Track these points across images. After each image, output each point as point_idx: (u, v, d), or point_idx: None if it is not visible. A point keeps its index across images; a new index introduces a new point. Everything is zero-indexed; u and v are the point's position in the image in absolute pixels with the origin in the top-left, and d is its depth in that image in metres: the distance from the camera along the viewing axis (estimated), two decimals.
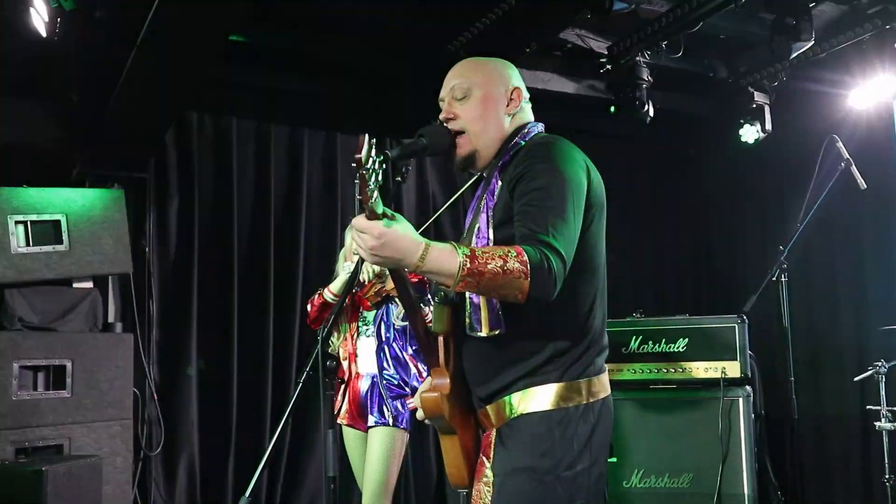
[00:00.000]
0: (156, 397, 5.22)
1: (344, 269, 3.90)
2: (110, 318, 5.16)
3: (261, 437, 5.45)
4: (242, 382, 5.53)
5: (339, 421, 3.87)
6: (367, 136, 1.76)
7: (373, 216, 1.82)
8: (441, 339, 2.12)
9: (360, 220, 1.84)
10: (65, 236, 4.74)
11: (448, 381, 2.07)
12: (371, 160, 1.76)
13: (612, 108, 5.54)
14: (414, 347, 3.84)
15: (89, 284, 4.99)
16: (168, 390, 5.34)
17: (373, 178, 1.78)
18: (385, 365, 3.81)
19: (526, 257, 1.85)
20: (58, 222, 4.74)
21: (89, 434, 4.57)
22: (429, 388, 2.10)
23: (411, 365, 3.85)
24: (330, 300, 3.85)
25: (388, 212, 1.86)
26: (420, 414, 2.20)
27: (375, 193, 1.80)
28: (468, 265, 1.83)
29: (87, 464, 4.24)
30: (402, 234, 1.85)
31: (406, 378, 3.82)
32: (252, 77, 5.53)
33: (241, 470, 5.38)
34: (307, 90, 5.74)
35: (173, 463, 5.29)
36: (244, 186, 5.75)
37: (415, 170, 6.17)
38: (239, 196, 5.71)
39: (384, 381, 3.79)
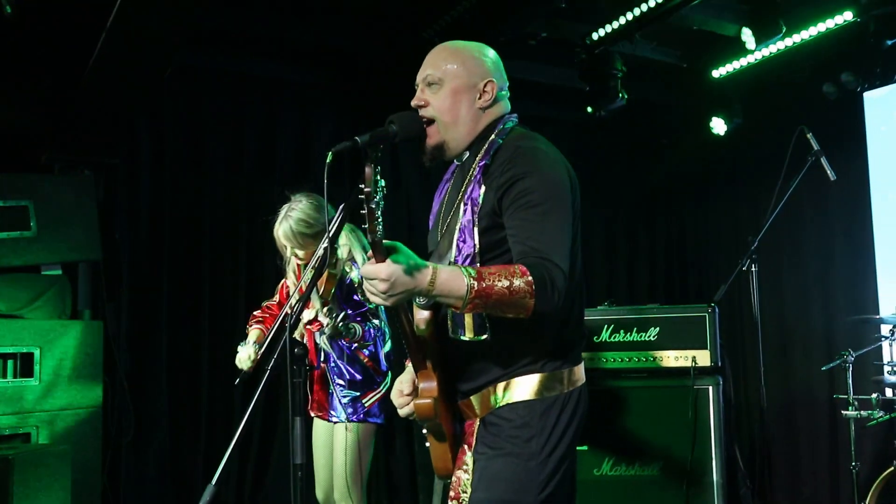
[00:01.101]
0: (126, 385, 5.17)
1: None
2: (80, 306, 5.10)
3: (232, 425, 5.42)
4: (214, 371, 5.50)
5: (312, 413, 3.86)
6: (372, 166, 1.78)
7: (377, 252, 1.85)
8: (425, 341, 2.15)
9: (367, 268, 1.87)
10: (32, 222, 4.67)
11: (435, 384, 2.12)
12: (378, 191, 1.79)
13: (590, 109, 5.55)
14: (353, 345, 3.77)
15: (58, 271, 4.92)
16: (139, 378, 5.29)
17: (379, 210, 1.81)
18: (337, 363, 3.76)
19: (531, 277, 1.90)
20: (25, 208, 4.67)
21: (58, 422, 4.52)
22: (419, 394, 2.12)
23: (364, 361, 3.78)
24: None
25: (388, 243, 1.88)
26: (404, 412, 2.22)
27: (380, 227, 1.83)
28: (475, 287, 1.88)
29: (56, 452, 4.20)
30: (408, 267, 1.87)
31: (356, 375, 3.76)
32: (225, 62, 5.48)
33: (213, 458, 5.35)
34: (281, 76, 5.70)
35: (144, 451, 5.26)
36: (216, 173, 5.70)
37: (388, 156, 6.15)
38: (211, 182, 5.66)
39: (339, 383, 3.75)
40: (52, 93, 5.01)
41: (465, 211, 2.12)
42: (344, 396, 3.72)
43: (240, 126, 5.81)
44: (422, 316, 2.15)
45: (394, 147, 1.94)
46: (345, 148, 1.99)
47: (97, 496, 4.63)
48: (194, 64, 5.38)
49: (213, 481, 1.87)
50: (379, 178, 1.81)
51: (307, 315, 3.64)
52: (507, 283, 1.88)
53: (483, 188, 2.11)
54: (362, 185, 1.78)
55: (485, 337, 2.08)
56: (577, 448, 2.18)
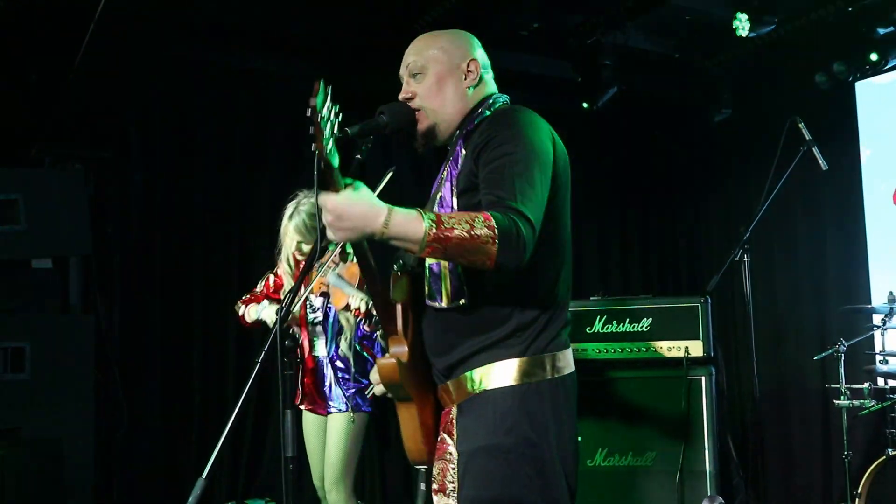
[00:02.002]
0: (118, 379, 5.15)
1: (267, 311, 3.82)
2: (71, 300, 5.07)
3: (224, 418, 5.40)
4: (205, 364, 5.48)
5: (301, 407, 3.87)
6: (322, 81, 1.72)
7: (328, 173, 1.77)
8: (400, 308, 2.07)
9: (321, 198, 1.80)
10: (22, 216, 4.64)
11: (406, 349, 2.03)
12: (327, 108, 1.71)
13: (585, 105, 5.54)
14: (360, 335, 3.81)
15: (48, 265, 4.90)
16: (131, 372, 5.27)
17: (328, 128, 1.73)
18: (337, 353, 3.78)
19: (494, 223, 1.82)
20: (15, 202, 4.64)
21: (49, 417, 4.49)
22: (386, 356, 2.05)
23: (366, 354, 3.82)
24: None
25: (347, 180, 1.82)
26: (378, 389, 2.17)
27: (331, 144, 1.75)
28: (434, 231, 1.80)
29: (47, 447, 4.18)
30: (359, 200, 1.81)
31: (362, 366, 3.79)
32: (215, 54, 5.45)
33: (205, 452, 5.32)
34: (271, 67, 5.67)
35: (136, 446, 5.24)
36: (208, 164, 5.68)
37: (379, 149, 6.13)
38: (202, 176, 5.64)
39: (338, 374, 3.78)
40: (42, 86, 4.98)
41: (447, 177, 2.11)
42: (349, 388, 3.74)
43: (231, 119, 5.79)
44: (399, 282, 2.10)
45: (386, 139, 1.92)
46: (334, 139, 1.96)
47: (89, 491, 4.62)
48: (185, 57, 5.35)
49: (204, 475, 1.86)
50: (329, 97, 1.72)
51: (316, 302, 3.66)
52: (467, 228, 1.80)
53: (464, 151, 2.09)
54: (312, 103, 1.70)
55: (462, 302, 2.01)
56: (576, 434, 2.11)
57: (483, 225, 1.81)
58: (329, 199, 1.79)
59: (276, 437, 5.55)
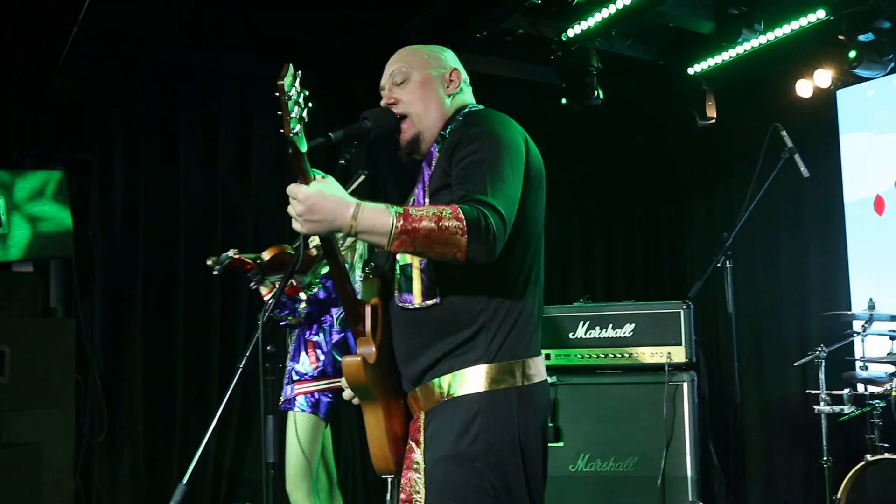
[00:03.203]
0: (99, 384, 5.11)
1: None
2: (52, 303, 5.04)
3: (207, 423, 5.37)
4: (188, 368, 5.45)
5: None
6: (290, 64, 1.73)
7: (296, 158, 1.76)
8: (369, 309, 2.06)
9: (290, 188, 1.80)
10: (3, 218, 4.61)
11: (374, 349, 2.01)
12: (294, 90, 1.71)
13: (564, 100, 5.57)
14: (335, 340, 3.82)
15: (29, 268, 4.86)
16: (112, 377, 5.24)
17: (295, 110, 1.73)
18: (295, 349, 3.83)
19: (462, 214, 1.82)
20: None
21: (28, 422, 4.45)
22: (351, 355, 2.02)
23: (309, 353, 3.83)
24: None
25: (316, 172, 1.82)
26: (347, 393, 2.16)
27: (298, 127, 1.74)
28: (401, 223, 1.80)
29: (25, 452, 4.15)
30: (330, 194, 1.81)
31: (298, 363, 3.82)
32: (199, 57, 5.43)
33: (187, 457, 5.30)
34: (256, 71, 5.65)
35: (117, 451, 5.20)
36: (191, 168, 5.64)
37: (363, 154, 6.13)
38: (186, 179, 5.61)
39: (289, 368, 3.84)
40: (23, 87, 4.95)
41: (420, 179, 2.12)
42: (287, 382, 3.80)
43: (214, 122, 5.75)
44: (369, 283, 2.09)
45: (370, 145, 1.92)
46: (318, 144, 1.95)
47: (69, 496, 4.58)
48: (168, 59, 5.32)
49: (185, 480, 1.85)
50: (298, 81, 1.72)
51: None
52: (434, 220, 1.80)
53: (437, 154, 2.10)
54: (280, 83, 1.70)
55: (433, 302, 2.00)
56: (552, 444, 2.10)
57: (451, 216, 1.82)
58: (300, 191, 1.79)
59: (259, 442, 5.55)
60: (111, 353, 5.29)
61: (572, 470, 4.70)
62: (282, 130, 1.74)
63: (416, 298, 2.03)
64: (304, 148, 1.77)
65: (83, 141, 5.24)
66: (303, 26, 5.20)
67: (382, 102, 2.20)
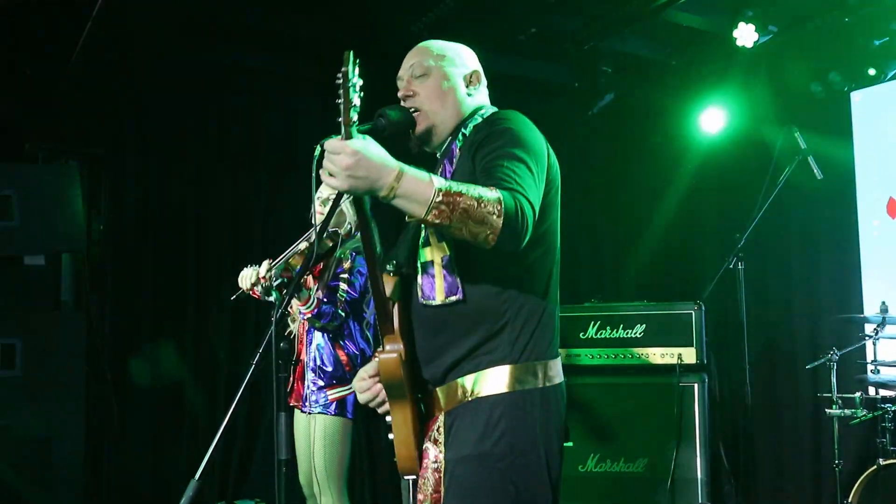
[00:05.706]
0: (109, 377, 5.12)
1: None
2: (63, 297, 5.05)
3: (216, 418, 5.39)
4: (199, 362, 5.46)
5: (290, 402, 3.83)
6: (351, 51, 1.74)
7: (347, 138, 1.76)
8: (397, 307, 2.05)
9: (332, 142, 1.77)
10: (15, 212, 4.62)
11: (402, 346, 1.99)
12: (356, 78, 1.73)
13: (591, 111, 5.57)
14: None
15: (41, 262, 4.88)
16: (122, 370, 5.25)
17: (355, 97, 1.73)
18: (315, 352, 3.73)
19: (500, 195, 1.81)
20: (8, 198, 4.62)
21: (39, 414, 4.47)
22: (386, 351, 2.00)
23: (339, 356, 3.71)
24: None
25: (364, 136, 1.81)
26: (363, 397, 2.14)
27: (355, 116, 1.75)
28: (444, 189, 1.77)
29: (36, 444, 4.16)
30: (377, 153, 1.78)
31: (326, 365, 3.72)
32: (210, 52, 5.43)
33: (196, 452, 5.32)
34: (266, 67, 5.66)
35: (127, 444, 5.22)
36: (202, 162, 5.66)
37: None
38: (197, 173, 5.62)
39: (311, 372, 3.71)
40: (37, 82, 4.96)
41: (441, 174, 2.09)
42: (313, 386, 3.70)
43: (225, 117, 5.77)
44: (391, 281, 2.07)
45: (384, 141, 1.91)
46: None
47: (79, 490, 4.59)
48: (180, 54, 5.33)
49: (197, 476, 1.84)
50: (357, 66, 1.74)
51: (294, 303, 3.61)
52: (477, 194, 1.78)
53: (458, 152, 2.10)
54: (344, 69, 1.72)
55: (456, 298, 1.98)
56: (563, 445, 2.09)
57: (492, 195, 1.80)
58: (352, 144, 1.76)
59: (267, 438, 5.55)
60: (122, 347, 5.30)
61: (582, 470, 4.70)
62: (340, 119, 1.75)
63: (438, 295, 2.01)
64: (355, 135, 1.77)
65: (95, 135, 5.25)
66: (313, 22, 5.20)
67: (399, 93, 2.20)
